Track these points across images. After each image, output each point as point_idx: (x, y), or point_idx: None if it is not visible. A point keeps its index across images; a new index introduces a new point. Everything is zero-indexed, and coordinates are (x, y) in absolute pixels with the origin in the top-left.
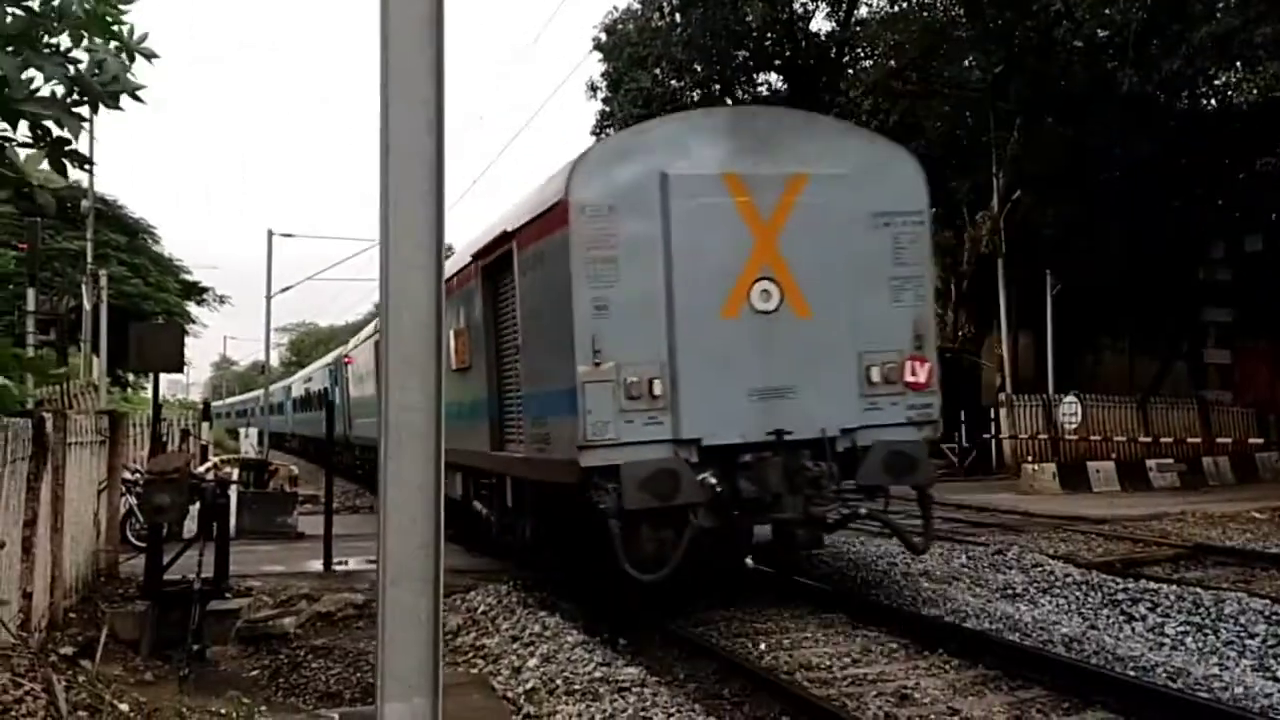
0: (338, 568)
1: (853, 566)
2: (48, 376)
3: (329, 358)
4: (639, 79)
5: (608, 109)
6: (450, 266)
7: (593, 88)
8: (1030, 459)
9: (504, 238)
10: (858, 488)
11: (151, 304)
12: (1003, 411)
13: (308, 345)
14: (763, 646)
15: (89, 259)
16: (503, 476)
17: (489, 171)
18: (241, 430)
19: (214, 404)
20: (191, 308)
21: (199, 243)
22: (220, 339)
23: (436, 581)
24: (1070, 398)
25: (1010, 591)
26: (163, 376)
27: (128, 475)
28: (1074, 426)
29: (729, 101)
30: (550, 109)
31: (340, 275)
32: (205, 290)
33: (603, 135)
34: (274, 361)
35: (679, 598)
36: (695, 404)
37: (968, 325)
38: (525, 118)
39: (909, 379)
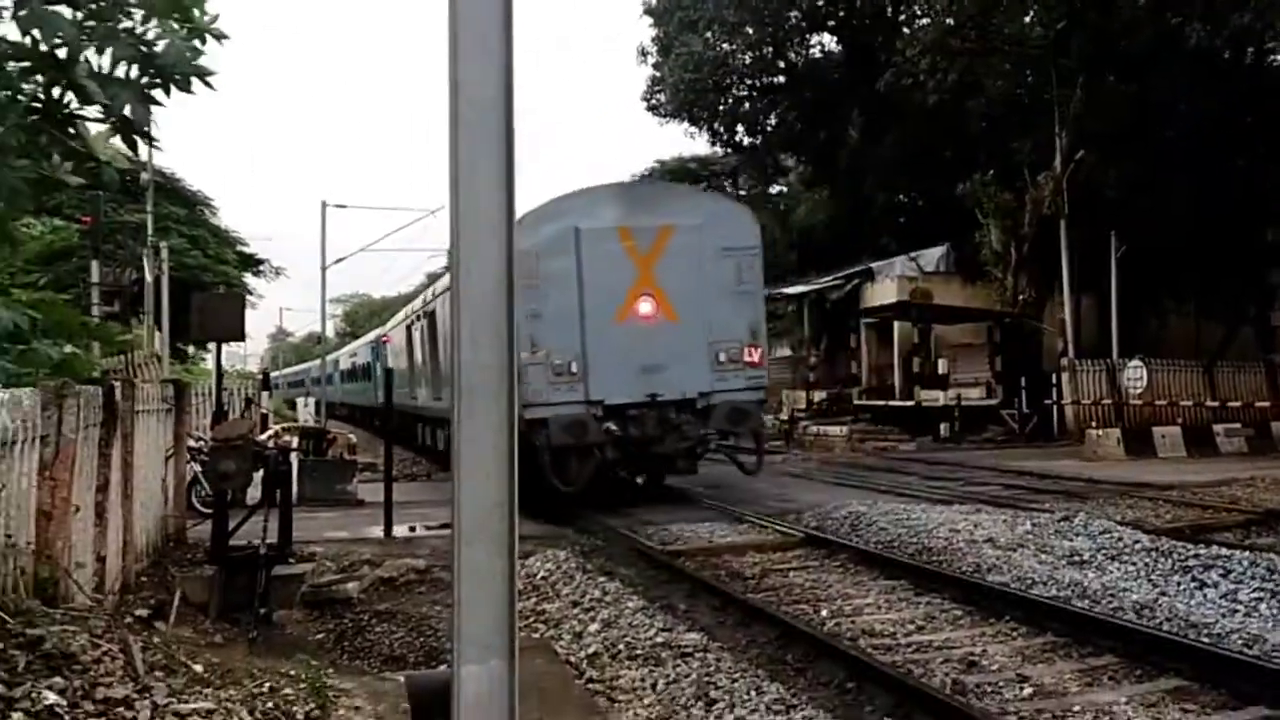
0: (398, 534)
1: (913, 534)
2: (115, 343)
3: (370, 336)
4: (690, 43)
5: (658, 74)
6: (423, 301)
7: (643, 53)
8: (1094, 425)
9: (445, 294)
10: (717, 431)
11: (210, 275)
12: (1065, 377)
13: (362, 316)
14: (824, 613)
15: (150, 231)
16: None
17: (543, 135)
18: (299, 400)
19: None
20: (249, 279)
21: (254, 215)
22: (276, 310)
23: (511, 542)
24: (1135, 362)
25: (1077, 558)
26: (221, 348)
27: (192, 443)
28: (1139, 391)
29: (781, 64)
30: (600, 77)
31: (393, 246)
32: (262, 262)
33: (654, 100)
34: (329, 332)
35: (596, 500)
36: (599, 378)
37: (1029, 289)
38: (576, 85)
39: (746, 360)
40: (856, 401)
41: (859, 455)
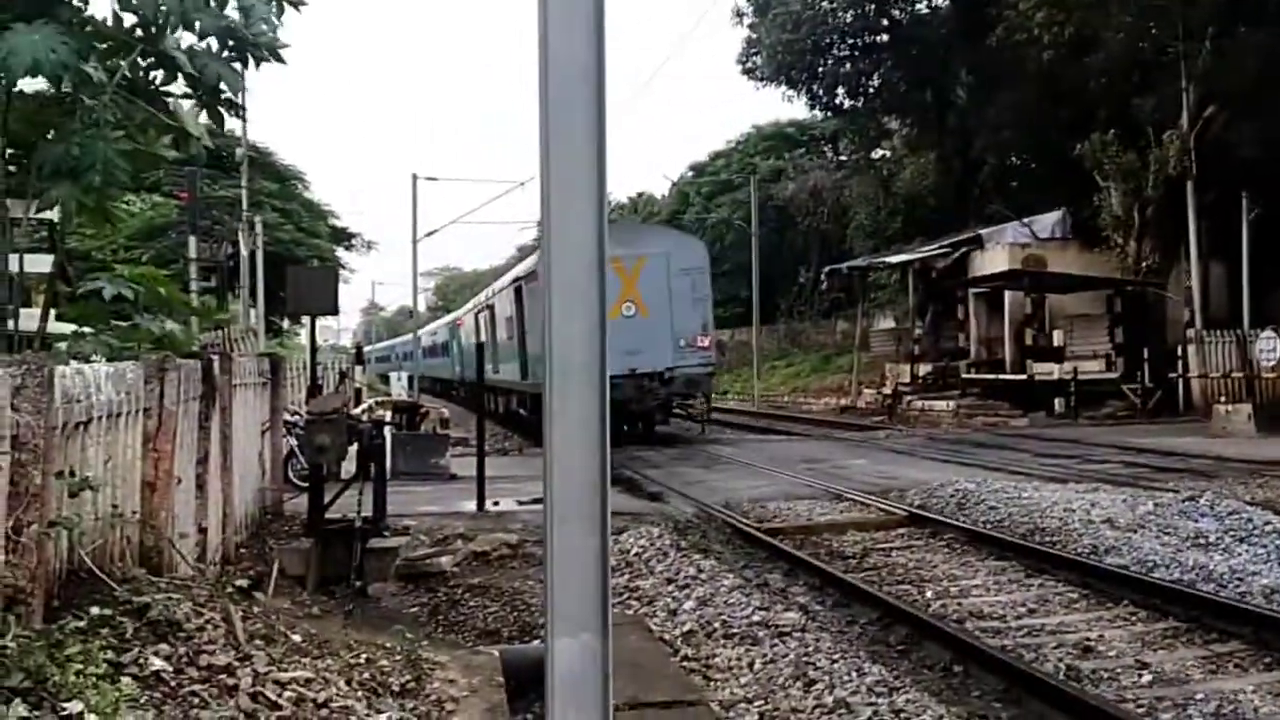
0: (491, 508)
1: (1024, 513)
2: (213, 318)
3: (448, 318)
4: (788, 2)
5: (754, 35)
6: (499, 285)
7: (738, 14)
8: (1223, 400)
9: (520, 279)
10: (678, 394)
11: (304, 249)
12: (1191, 349)
13: (453, 289)
14: (929, 594)
15: (244, 206)
16: (524, 392)
17: (634, 102)
18: (392, 374)
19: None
20: (341, 253)
21: (346, 189)
22: (369, 284)
23: (603, 520)
24: (1268, 333)
25: (1202, 540)
26: (315, 322)
27: (288, 417)
28: (1272, 364)
29: (884, 22)
30: (694, 41)
31: (484, 219)
32: (354, 236)
33: (750, 63)
34: (420, 306)
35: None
36: None
37: (1152, 256)
38: (669, 46)
39: (699, 345)
40: (965, 375)
41: (967, 431)
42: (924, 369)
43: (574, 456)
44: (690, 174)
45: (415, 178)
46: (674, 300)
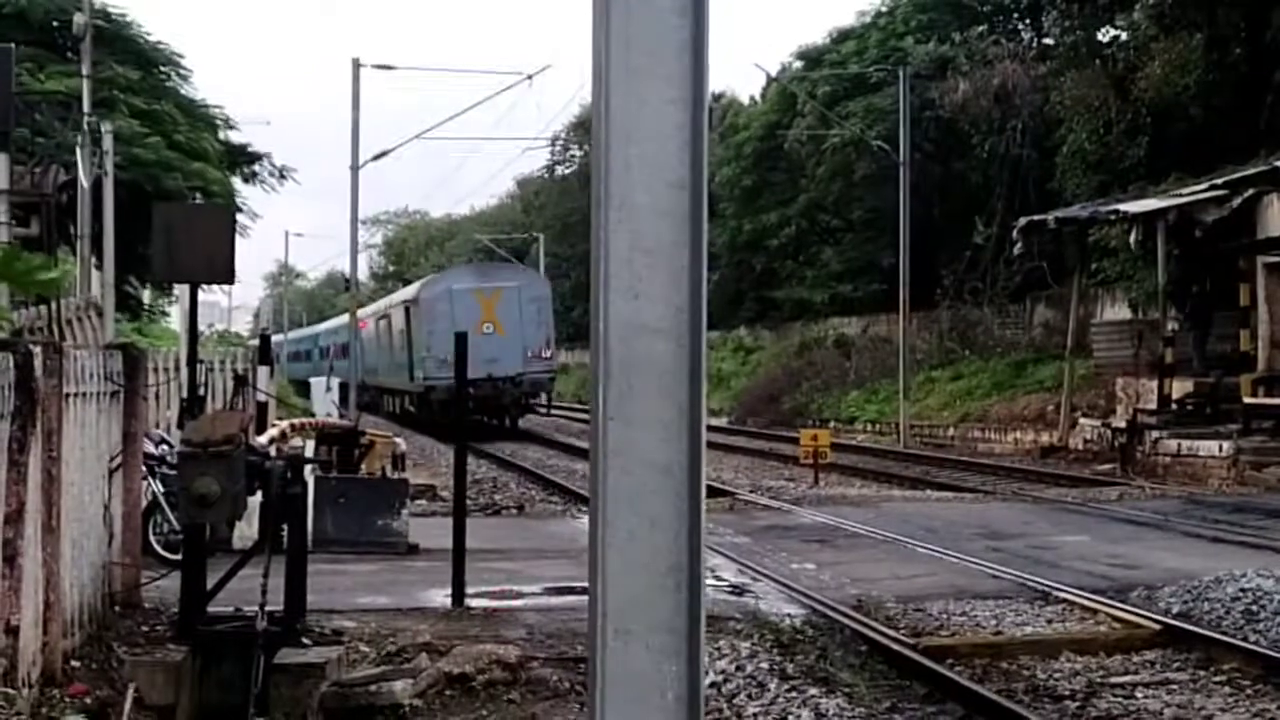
0: (475, 603)
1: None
2: (34, 284)
3: (379, 305)
4: None
5: None
6: (384, 305)
7: None
8: None
9: (408, 301)
10: (527, 394)
11: (178, 177)
12: None
13: (412, 247)
14: None
15: (85, 107)
16: (408, 391)
17: None
18: (315, 380)
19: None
20: (238, 184)
21: (248, 83)
22: (280, 236)
23: (694, 633)
24: None
25: None
26: (197, 294)
27: (150, 448)
28: None
29: None
30: None
31: (465, 133)
32: (258, 158)
33: None
34: (361, 272)
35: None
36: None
37: None
38: None
39: (542, 356)
40: (1248, 399)
41: (1253, 491)
42: (1181, 387)
43: (644, 519)
44: (799, 65)
45: (357, 65)
46: (523, 322)
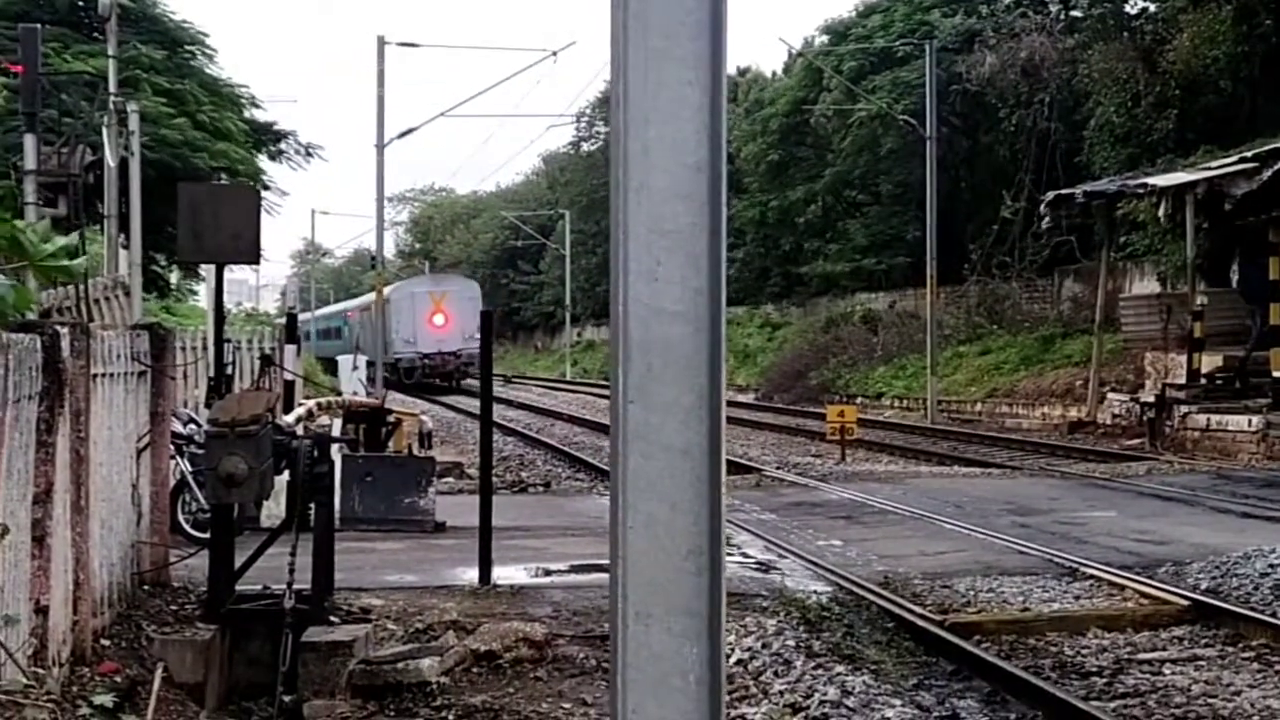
0: (501, 581)
1: None
2: (63, 269)
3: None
4: None
5: None
6: (368, 300)
7: None
8: None
9: (385, 299)
10: (465, 364)
11: (205, 157)
12: None
13: (438, 224)
14: None
15: (112, 87)
16: (385, 363)
17: None
18: (343, 359)
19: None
20: (264, 163)
21: (274, 64)
22: (307, 214)
23: (715, 615)
24: None
25: None
26: (224, 274)
27: (178, 427)
28: None
29: None
30: None
31: (490, 110)
32: (284, 136)
33: None
34: (389, 250)
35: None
36: (418, 343)
37: None
38: None
39: (474, 338)
40: (1279, 373)
41: None
42: (1211, 361)
43: (664, 503)
44: (825, 39)
45: (382, 43)
46: (461, 314)
